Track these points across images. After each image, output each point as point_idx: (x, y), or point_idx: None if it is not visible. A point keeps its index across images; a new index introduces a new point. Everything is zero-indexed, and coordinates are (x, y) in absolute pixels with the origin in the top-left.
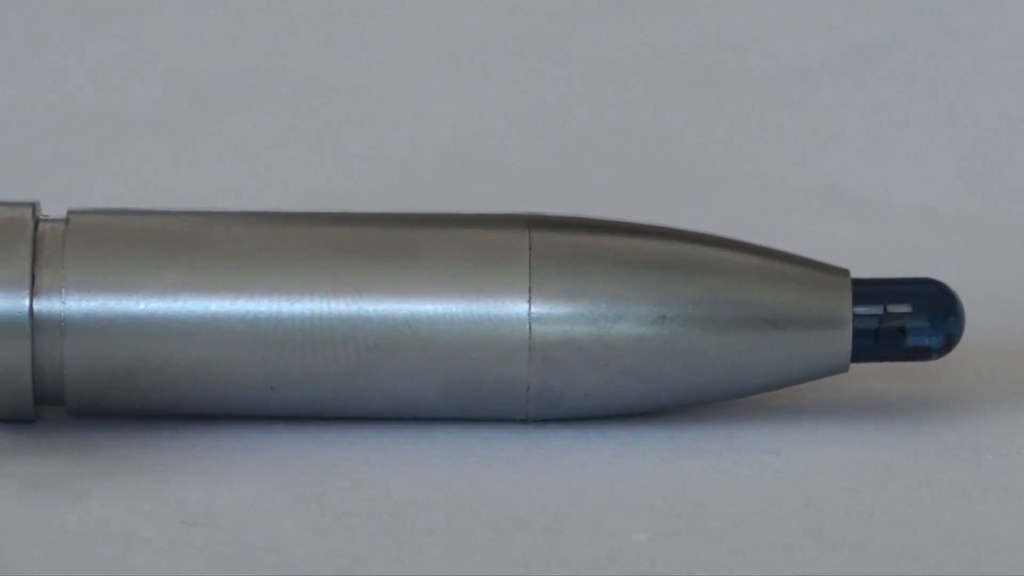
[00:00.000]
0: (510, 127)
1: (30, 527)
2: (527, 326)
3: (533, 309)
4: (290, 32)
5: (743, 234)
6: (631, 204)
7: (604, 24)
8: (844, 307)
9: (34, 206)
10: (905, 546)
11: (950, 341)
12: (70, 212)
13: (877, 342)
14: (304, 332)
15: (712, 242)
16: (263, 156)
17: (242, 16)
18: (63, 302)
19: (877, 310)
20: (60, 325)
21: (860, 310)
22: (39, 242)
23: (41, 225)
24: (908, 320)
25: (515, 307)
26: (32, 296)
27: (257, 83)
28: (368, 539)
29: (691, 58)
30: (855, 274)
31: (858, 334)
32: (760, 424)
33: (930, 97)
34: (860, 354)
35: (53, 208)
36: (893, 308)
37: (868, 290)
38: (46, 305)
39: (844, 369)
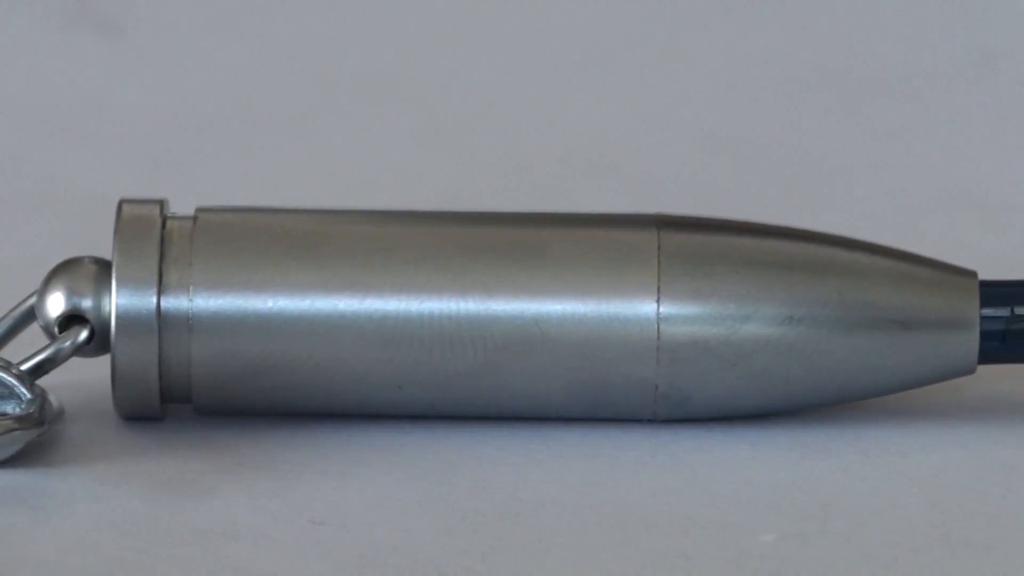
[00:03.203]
0: (640, 127)
1: (157, 526)
2: (655, 326)
3: (662, 309)
4: (420, 31)
5: (870, 235)
6: (759, 204)
7: (733, 25)
8: (971, 309)
9: (162, 203)
10: None
11: None
12: (198, 210)
13: (1004, 344)
14: (432, 331)
15: (840, 243)
16: (392, 155)
17: (372, 15)
18: (191, 300)
19: (1004, 312)
20: (187, 323)
21: (987, 312)
22: (167, 240)
23: (169, 223)
24: None
25: (644, 307)
26: (159, 294)
27: (386, 82)
28: (495, 539)
29: (820, 60)
30: (983, 276)
31: (985, 336)
32: (887, 425)
33: None
34: (987, 356)
35: (181, 206)
36: (1021, 310)
37: (996, 292)
38: (173, 303)
39: (971, 371)
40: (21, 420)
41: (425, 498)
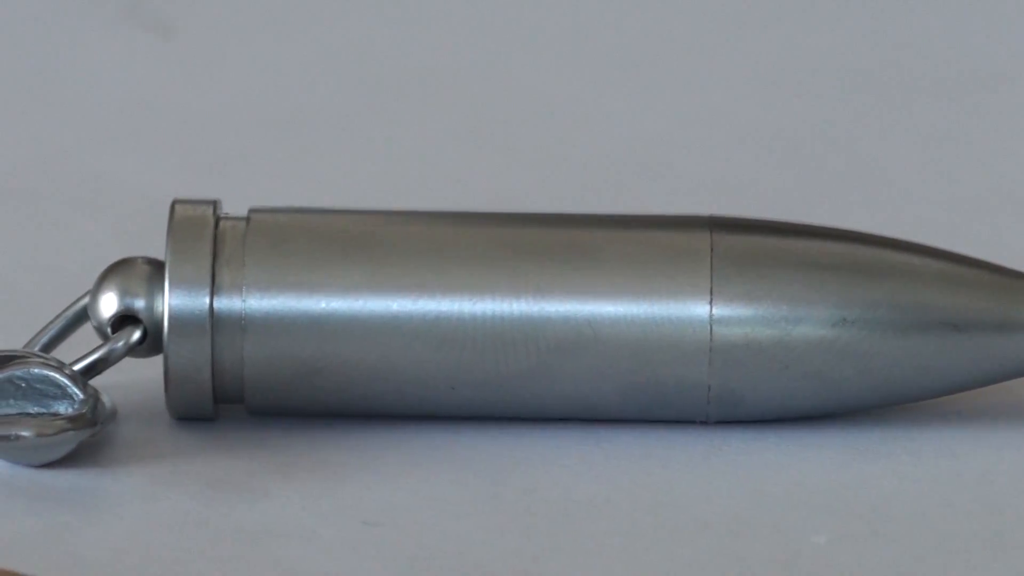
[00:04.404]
0: (692, 128)
1: (209, 526)
2: (708, 328)
3: (714, 311)
4: (472, 32)
5: (923, 237)
6: (812, 206)
7: (786, 25)
8: None
9: (215, 204)
10: None
11: None
12: (251, 210)
13: None
14: (485, 332)
15: (892, 245)
16: (445, 156)
17: (423, 16)
18: (243, 300)
19: None
20: (240, 324)
21: None
22: (220, 240)
23: (222, 223)
24: None
25: (696, 309)
26: (212, 294)
27: (439, 83)
28: (547, 540)
29: (873, 61)
30: None
31: None
32: (939, 427)
33: None
34: None
35: (234, 206)
36: None
37: None
38: (226, 304)
39: (1023, 373)
40: (74, 420)
41: (477, 499)
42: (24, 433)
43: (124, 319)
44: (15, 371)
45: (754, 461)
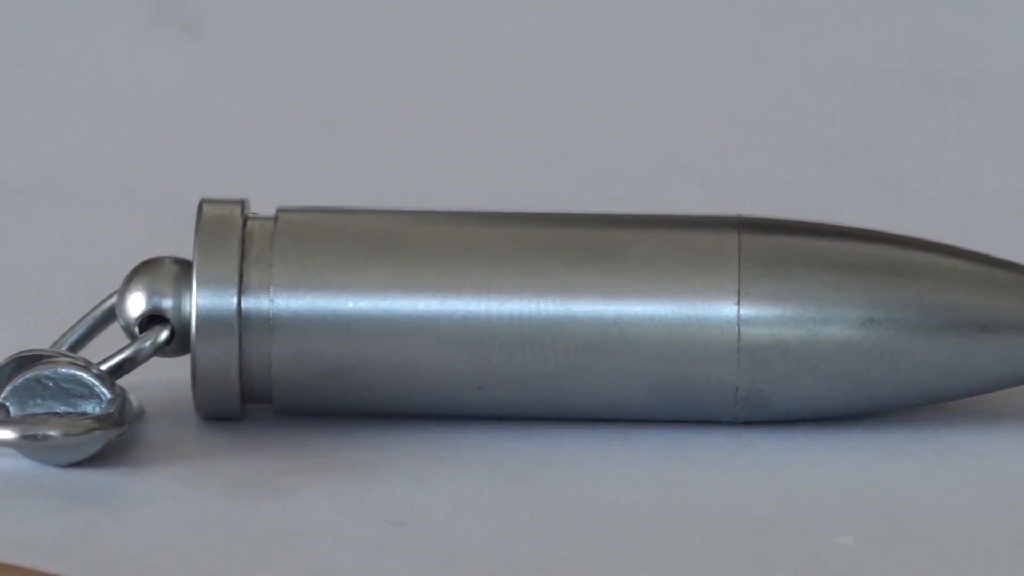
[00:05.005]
0: (720, 129)
1: (235, 526)
2: (736, 328)
3: (742, 311)
4: (500, 33)
5: (951, 238)
6: (839, 207)
7: (812, 25)
8: None
9: (243, 204)
10: None
11: None
12: (279, 210)
13: None
14: (512, 332)
15: (920, 246)
16: (472, 155)
17: (453, 17)
18: (271, 300)
19: None
20: (268, 323)
21: None
22: (248, 240)
23: (250, 223)
24: None
25: (724, 309)
26: (240, 294)
27: (466, 83)
28: (574, 540)
29: (899, 61)
30: None
31: None
32: (966, 428)
33: None
34: None
35: (262, 206)
36: None
37: None
38: (254, 303)
39: None
40: (101, 420)
41: (504, 499)
42: (52, 433)
43: (152, 319)
44: (43, 371)
45: (781, 461)
